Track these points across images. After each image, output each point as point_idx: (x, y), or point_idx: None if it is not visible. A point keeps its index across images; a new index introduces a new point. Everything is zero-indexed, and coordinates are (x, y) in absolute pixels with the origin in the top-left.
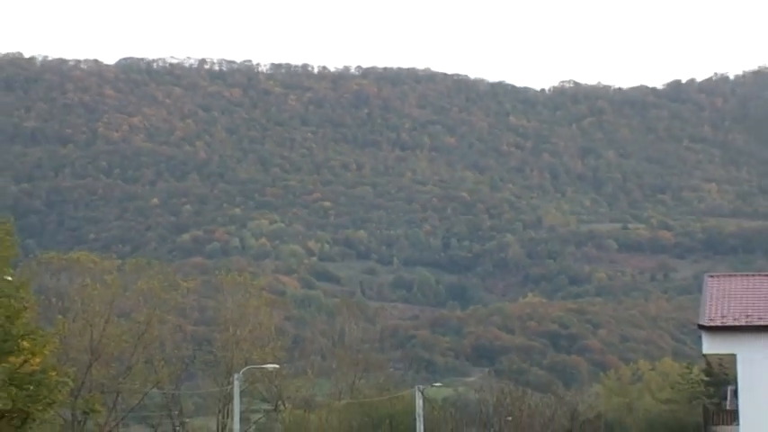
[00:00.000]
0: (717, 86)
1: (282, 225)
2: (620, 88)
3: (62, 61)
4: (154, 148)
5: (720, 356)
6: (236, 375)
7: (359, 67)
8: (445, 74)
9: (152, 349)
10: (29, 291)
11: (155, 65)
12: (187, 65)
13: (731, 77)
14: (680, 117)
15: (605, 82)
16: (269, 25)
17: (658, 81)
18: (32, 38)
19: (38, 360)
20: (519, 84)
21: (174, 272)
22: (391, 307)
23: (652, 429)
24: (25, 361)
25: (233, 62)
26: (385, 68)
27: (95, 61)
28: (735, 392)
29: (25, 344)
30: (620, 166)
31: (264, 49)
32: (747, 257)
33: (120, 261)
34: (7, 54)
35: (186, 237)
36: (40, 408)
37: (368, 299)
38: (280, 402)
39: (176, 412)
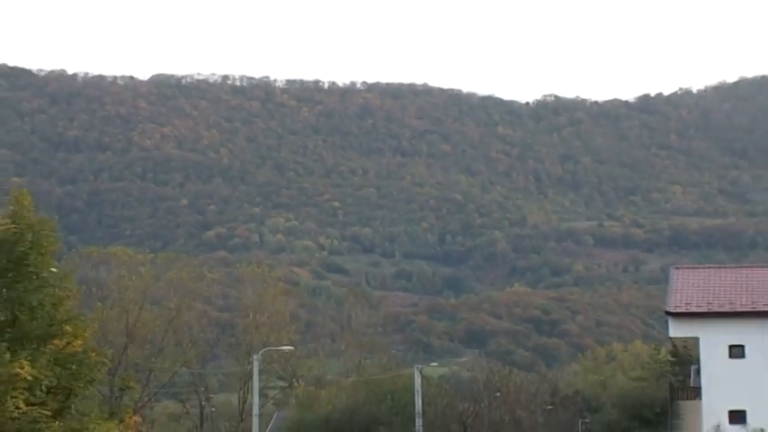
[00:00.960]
0: (681, 99)
1: (296, 223)
2: (595, 101)
3: (101, 77)
4: (182, 154)
5: (685, 339)
6: (255, 356)
7: (364, 82)
8: (441, 88)
9: (181, 333)
10: (71, 281)
11: (183, 80)
12: (212, 81)
13: (694, 91)
14: (649, 127)
15: (583, 96)
16: (284, 45)
17: (630, 95)
18: (74, 57)
19: (79, 342)
20: (506, 97)
21: (200, 264)
22: (393, 296)
23: (624, 404)
24: (68, 343)
25: (252, 78)
26: (387, 83)
27: (130, 77)
28: (697, 371)
29: (68, 328)
30: (596, 171)
31: (280, 66)
32: (709, 252)
33: (152, 255)
34: (52, 71)
35: (211, 233)
36: (82, 385)
37: (372, 288)
38: (294, 380)
39: (202, 389)
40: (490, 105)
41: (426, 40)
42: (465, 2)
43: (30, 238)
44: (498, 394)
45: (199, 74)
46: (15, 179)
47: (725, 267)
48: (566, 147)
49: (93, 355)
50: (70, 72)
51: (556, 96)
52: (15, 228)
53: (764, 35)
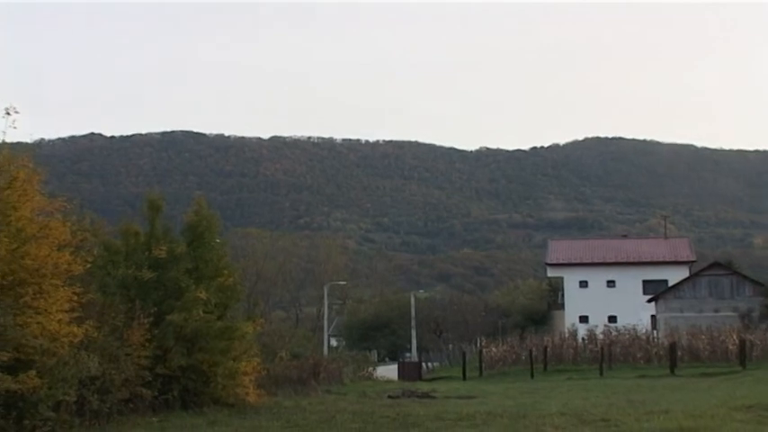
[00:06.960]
0: (554, 149)
1: (347, 215)
2: (507, 149)
3: (243, 137)
4: (286, 179)
5: (556, 278)
6: (325, 286)
7: (384, 139)
8: (424, 143)
9: (285, 274)
10: (226, 246)
11: (287, 139)
12: (302, 139)
13: (561, 144)
14: (536, 164)
15: (501, 147)
16: (341, 119)
17: (526, 146)
18: (228, 125)
19: (231, 279)
20: (459, 147)
21: (295, 238)
22: (399, 255)
23: (524, 312)
24: (225, 279)
25: (323, 137)
26: (396, 140)
27: (258, 137)
28: (562, 295)
29: (225, 271)
30: (508, 187)
31: (339, 130)
32: (569, 231)
33: (270, 232)
34: (217, 134)
35: (301, 221)
36: (233, 302)
37: (388, 251)
38: (346, 300)
39: (297, 304)
40: (452, 152)
41: (416, 116)
42: (437, 93)
43: (205, 224)
44: (455, 307)
45: (294, 135)
46: (197, 192)
47: (577, 239)
48: (492, 175)
49: (239, 286)
50: (226, 134)
51: (487, 147)
52: (198, 217)
53: (600, 108)
